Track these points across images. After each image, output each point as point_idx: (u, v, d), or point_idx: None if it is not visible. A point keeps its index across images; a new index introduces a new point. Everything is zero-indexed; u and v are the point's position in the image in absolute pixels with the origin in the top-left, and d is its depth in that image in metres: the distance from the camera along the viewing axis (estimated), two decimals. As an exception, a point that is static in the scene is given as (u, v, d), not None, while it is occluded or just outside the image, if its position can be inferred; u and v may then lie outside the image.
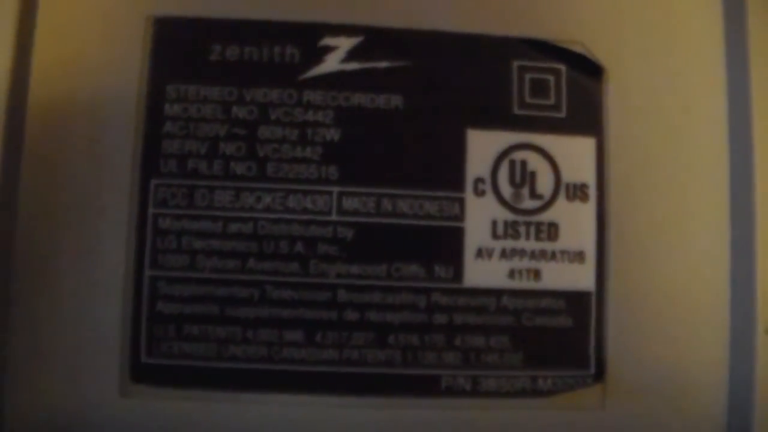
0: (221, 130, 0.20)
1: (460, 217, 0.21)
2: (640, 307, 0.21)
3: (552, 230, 0.21)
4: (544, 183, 0.21)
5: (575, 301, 0.21)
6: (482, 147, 0.21)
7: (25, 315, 0.20)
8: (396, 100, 0.21)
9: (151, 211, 0.20)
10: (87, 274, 0.20)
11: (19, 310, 0.20)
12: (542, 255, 0.21)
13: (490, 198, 0.21)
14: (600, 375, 0.21)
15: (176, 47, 0.21)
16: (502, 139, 0.21)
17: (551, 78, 0.21)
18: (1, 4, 0.20)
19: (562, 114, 0.21)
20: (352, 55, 0.21)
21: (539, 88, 0.21)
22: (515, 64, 0.21)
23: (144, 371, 0.20)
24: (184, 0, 0.21)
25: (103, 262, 0.20)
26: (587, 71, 0.21)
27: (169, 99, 0.21)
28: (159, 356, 0.20)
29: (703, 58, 0.22)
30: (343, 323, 0.20)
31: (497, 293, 0.21)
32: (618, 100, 0.21)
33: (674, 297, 0.21)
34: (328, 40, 0.21)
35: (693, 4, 0.22)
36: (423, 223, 0.20)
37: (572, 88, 0.21)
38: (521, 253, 0.21)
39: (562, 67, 0.21)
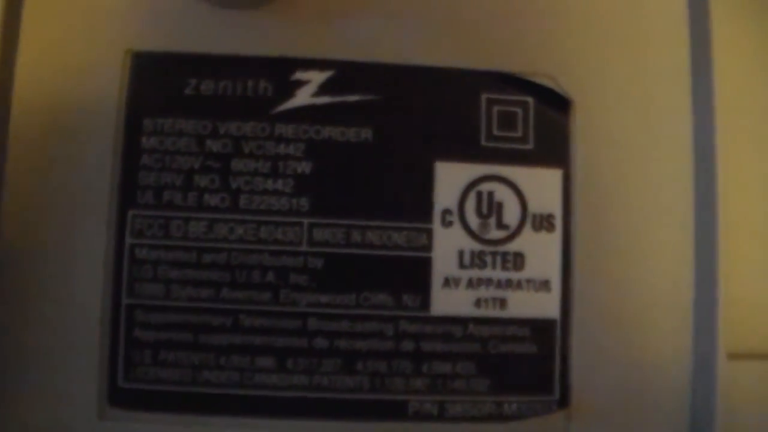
0: (196, 163, 0.21)
1: (428, 247, 0.21)
2: (604, 334, 0.21)
3: (518, 260, 0.21)
4: (511, 214, 0.22)
5: (540, 328, 0.21)
6: (450, 179, 0.21)
7: (4, 339, 0.20)
8: (366, 133, 0.21)
9: (128, 241, 0.21)
10: (66, 301, 0.21)
11: (-1, 336, 0.20)
12: (508, 284, 0.21)
13: (457, 229, 0.21)
14: (564, 401, 0.21)
15: (153, 81, 0.21)
16: (470, 170, 0.22)
17: (519, 110, 0.22)
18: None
19: (530, 146, 0.22)
20: (323, 89, 0.22)
21: (507, 120, 0.22)
22: (484, 96, 0.22)
23: (121, 395, 0.21)
24: (161, 35, 0.22)
25: (81, 289, 0.21)
26: (555, 104, 0.22)
27: (146, 132, 0.21)
28: (135, 381, 0.21)
29: (670, 90, 0.22)
30: (313, 350, 0.21)
31: (464, 321, 0.21)
32: (585, 131, 0.22)
33: (638, 324, 0.21)
34: (299, 75, 0.22)
35: (660, 36, 0.23)
36: (391, 253, 0.21)
37: (540, 121, 0.22)
38: (487, 282, 0.21)
39: (530, 100, 0.22)
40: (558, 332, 0.21)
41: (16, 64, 0.21)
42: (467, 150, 0.22)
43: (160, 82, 0.21)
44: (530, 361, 0.21)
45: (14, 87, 0.21)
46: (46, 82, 0.21)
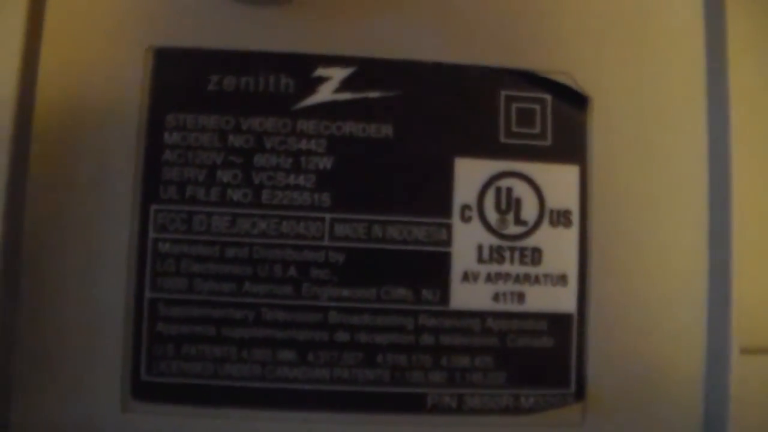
0: (218, 158, 0.21)
1: (448, 242, 0.21)
2: (620, 328, 0.22)
3: (536, 255, 0.22)
4: (529, 209, 0.22)
5: (557, 322, 0.22)
6: (469, 175, 0.22)
7: (30, 333, 0.21)
8: (386, 129, 0.22)
9: (151, 235, 0.21)
10: (89, 296, 0.21)
11: (24, 329, 0.21)
12: (526, 279, 0.22)
13: (476, 224, 0.22)
14: (580, 393, 0.22)
15: (175, 77, 0.22)
16: (489, 167, 0.22)
17: (537, 107, 0.22)
18: (6, 32, 0.21)
19: (548, 142, 0.22)
20: (344, 85, 0.22)
21: (526, 117, 0.22)
22: (503, 93, 0.22)
23: (144, 388, 0.21)
24: (183, 31, 0.22)
25: (105, 284, 0.21)
26: (572, 100, 0.22)
27: (168, 127, 0.21)
28: (158, 374, 0.21)
29: (685, 87, 0.23)
30: (334, 344, 0.21)
31: (482, 315, 0.21)
32: (601, 128, 0.22)
33: (653, 318, 0.22)
34: (321, 71, 0.22)
35: (676, 33, 0.23)
36: (411, 248, 0.21)
37: (557, 117, 0.22)
38: (506, 276, 0.22)
39: (548, 97, 0.22)
40: (574, 326, 0.22)
41: (39, 61, 0.21)
42: (486, 146, 0.22)
43: (182, 78, 0.22)
44: (547, 354, 0.22)
45: (38, 83, 0.21)
46: (68, 78, 0.21)
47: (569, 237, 0.22)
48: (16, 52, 0.21)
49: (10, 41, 0.21)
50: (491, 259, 0.22)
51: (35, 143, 0.21)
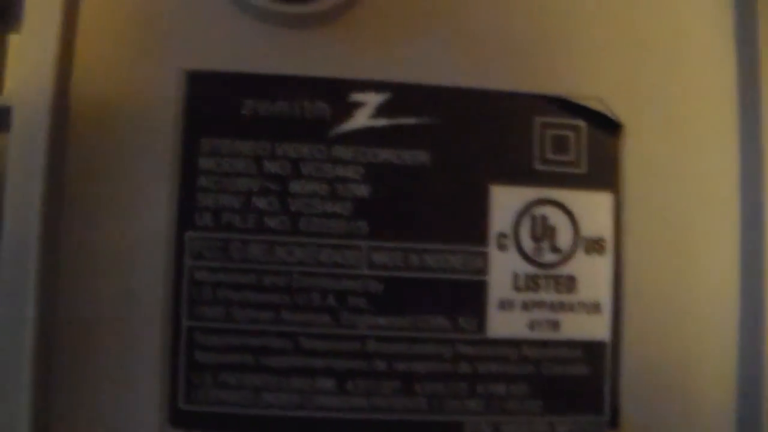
0: (254, 185, 0.21)
1: (484, 270, 0.22)
2: (653, 356, 0.22)
3: (570, 283, 0.22)
4: (564, 237, 0.22)
5: (591, 350, 0.22)
6: (505, 202, 0.22)
7: (67, 362, 0.20)
8: (422, 157, 0.22)
9: (187, 263, 0.21)
10: (127, 324, 0.21)
11: (61, 358, 0.20)
12: (561, 306, 0.22)
13: (512, 252, 0.22)
14: (614, 421, 0.22)
15: (209, 101, 0.21)
16: (524, 194, 0.22)
17: (571, 134, 0.22)
18: (38, 52, 0.20)
19: (582, 170, 0.22)
20: (380, 111, 0.22)
21: (560, 144, 0.22)
22: (538, 120, 0.22)
23: (182, 417, 0.21)
24: (217, 54, 0.21)
25: (141, 312, 0.21)
26: (606, 127, 0.22)
27: (203, 152, 0.21)
28: (196, 403, 0.21)
29: (718, 112, 0.23)
30: (372, 372, 0.21)
31: (518, 343, 0.22)
32: (635, 155, 0.22)
33: (685, 346, 0.22)
34: (357, 96, 0.22)
35: (709, 59, 0.23)
36: (448, 276, 0.21)
37: (592, 144, 0.22)
38: (541, 304, 0.22)
39: (582, 124, 0.22)
40: (608, 354, 0.22)
41: (71, 81, 0.21)
42: (521, 173, 0.22)
43: (216, 102, 0.21)
44: (581, 382, 0.22)
45: (70, 104, 0.21)
46: (100, 102, 0.21)
47: (603, 264, 0.22)
48: (49, 73, 0.20)
49: (43, 61, 0.20)
50: (527, 288, 0.22)
51: (69, 170, 0.21)
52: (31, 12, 0.21)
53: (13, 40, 0.23)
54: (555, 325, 0.22)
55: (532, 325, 0.22)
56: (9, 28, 0.23)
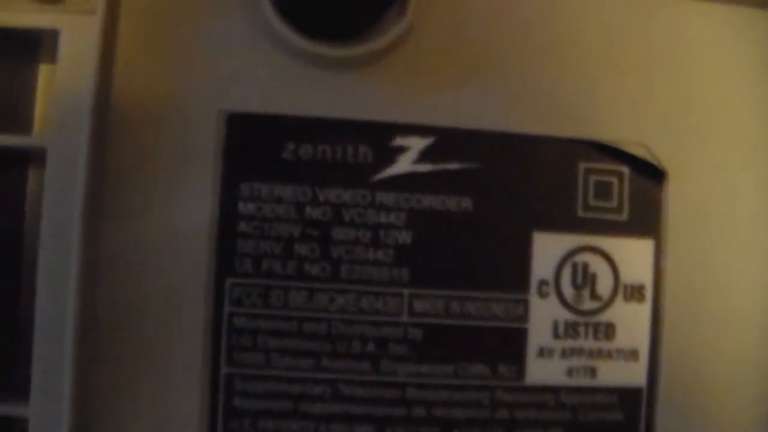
0: (295, 231, 0.21)
1: (525, 318, 0.21)
2: (688, 403, 0.22)
3: (609, 330, 0.22)
4: (604, 284, 0.22)
5: (628, 396, 0.22)
6: (547, 249, 0.22)
7: (106, 411, 0.20)
8: (466, 203, 0.21)
9: (226, 309, 0.21)
10: (166, 370, 0.21)
11: (100, 407, 0.20)
12: (599, 354, 0.22)
13: (552, 300, 0.22)
14: (648, 466, 0.22)
15: (249, 144, 0.21)
16: (566, 241, 0.22)
17: (615, 180, 0.22)
18: (75, 90, 0.20)
19: (624, 217, 0.22)
20: (423, 155, 0.21)
21: (603, 190, 0.22)
22: (582, 166, 0.22)
23: (221, 462, 0.21)
24: (257, 96, 0.21)
25: (181, 358, 0.21)
26: (649, 173, 0.22)
27: (243, 197, 0.21)
28: (235, 448, 0.21)
29: (760, 158, 0.23)
30: (411, 419, 0.21)
31: (556, 390, 0.22)
32: (677, 202, 0.22)
33: (720, 393, 0.22)
34: (400, 140, 0.21)
35: (750, 106, 0.23)
36: (489, 324, 0.21)
37: (634, 190, 0.22)
38: (579, 351, 0.22)
39: (626, 170, 0.22)
40: (644, 400, 0.22)
41: (109, 119, 0.20)
42: (564, 220, 0.22)
43: (256, 145, 0.21)
44: (617, 428, 0.22)
45: (109, 143, 0.20)
46: (138, 143, 0.21)
47: (642, 312, 0.22)
48: (86, 113, 0.20)
49: (81, 99, 0.20)
50: (566, 335, 0.22)
51: (107, 215, 0.20)
52: (67, 48, 0.20)
53: (43, 70, 0.22)
54: (593, 371, 0.22)
55: (570, 372, 0.22)
56: (39, 58, 0.22)
